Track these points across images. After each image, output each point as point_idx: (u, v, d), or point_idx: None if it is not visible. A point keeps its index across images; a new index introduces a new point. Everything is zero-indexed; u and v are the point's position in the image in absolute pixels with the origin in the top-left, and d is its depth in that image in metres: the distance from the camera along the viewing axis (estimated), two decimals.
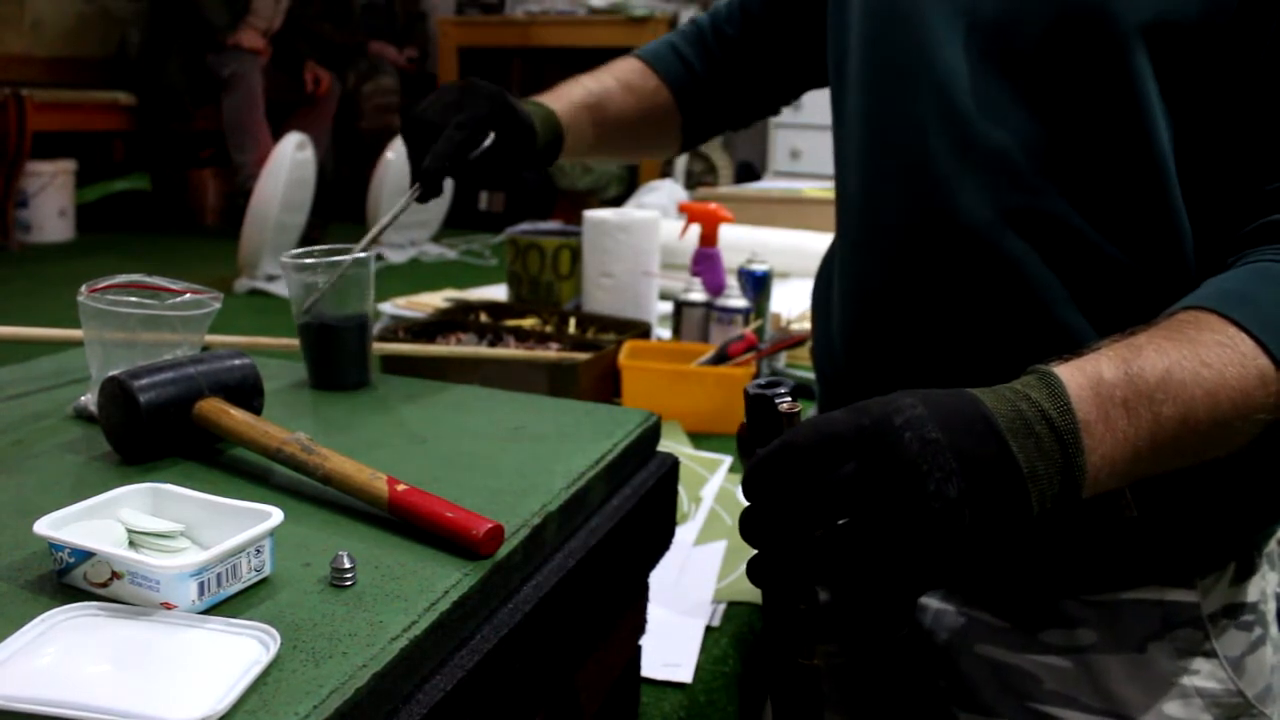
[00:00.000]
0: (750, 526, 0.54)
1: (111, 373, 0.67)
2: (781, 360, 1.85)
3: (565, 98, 1.03)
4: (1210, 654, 0.75)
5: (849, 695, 0.91)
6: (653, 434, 0.80)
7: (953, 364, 0.75)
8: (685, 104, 1.07)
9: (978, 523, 0.51)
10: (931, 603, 0.83)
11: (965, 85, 0.73)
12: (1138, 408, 0.54)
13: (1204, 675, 0.75)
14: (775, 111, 1.14)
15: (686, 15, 4.20)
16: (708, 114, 1.09)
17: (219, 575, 0.49)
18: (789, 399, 0.55)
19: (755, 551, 0.55)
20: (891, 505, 0.50)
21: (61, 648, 0.45)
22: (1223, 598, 0.76)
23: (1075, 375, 0.54)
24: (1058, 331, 0.70)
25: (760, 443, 0.56)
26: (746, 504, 0.54)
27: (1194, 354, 0.56)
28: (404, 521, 0.59)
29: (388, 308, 2.07)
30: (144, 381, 0.66)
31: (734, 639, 1.01)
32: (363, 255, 0.83)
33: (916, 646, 0.83)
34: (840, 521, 0.51)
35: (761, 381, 0.57)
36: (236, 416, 0.67)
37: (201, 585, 0.48)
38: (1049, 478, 0.52)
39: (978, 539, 0.51)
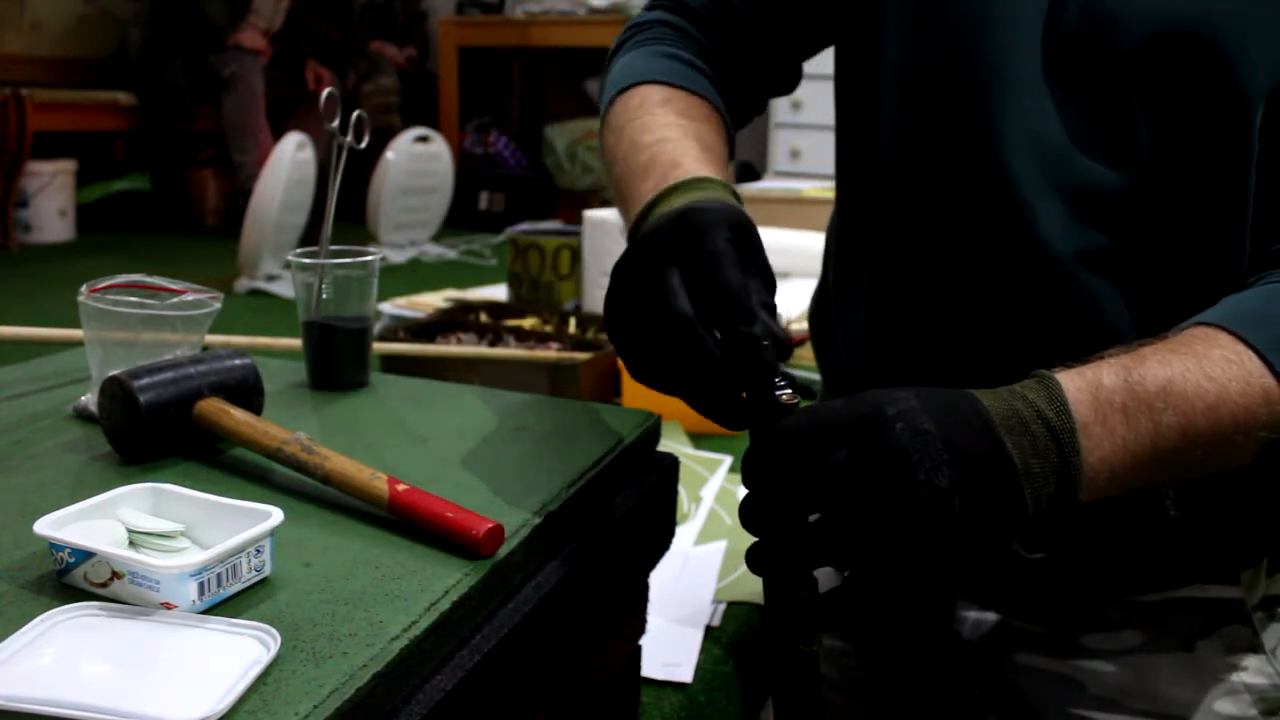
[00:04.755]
0: (748, 513, 0.55)
1: (112, 373, 0.67)
2: None
3: (717, 161, 0.72)
4: (1257, 649, 0.75)
5: (871, 708, 0.90)
6: (653, 434, 0.80)
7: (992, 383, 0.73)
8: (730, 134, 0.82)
9: (972, 518, 0.51)
10: (969, 612, 0.82)
11: (1050, 107, 0.68)
12: (1137, 414, 0.54)
13: (1252, 670, 0.75)
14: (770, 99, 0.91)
15: None
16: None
17: (219, 575, 0.49)
18: (789, 390, 0.56)
19: (755, 541, 0.55)
20: (881, 493, 0.51)
21: (61, 648, 0.45)
22: (1260, 591, 0.76)
23: (1075, 380, 0.55)
24: None
25: (761, 433, 0.56)
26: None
27: (1198, 367, 0.56)
28: (404, 521, 0.59)
29: (388, 308, 2.07)
30: (144, 381, 0.66)
31: (734, 639, 1.01)
32: (368, 258, 0.84)
33: (952, 657, 0.82)
34: (833, 508, 0.52)
35: None
36: (237, 416, 0.67)
37: (201, 585, 0.48)
38: (1044, 476, 0.52)
39: (974, 536, 0.51)
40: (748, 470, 0.54)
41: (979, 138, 0.70)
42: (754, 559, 0.55)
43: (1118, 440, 0.54)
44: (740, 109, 0.86)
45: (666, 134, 0.72)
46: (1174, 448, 0.55)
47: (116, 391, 0.66)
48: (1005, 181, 0.69)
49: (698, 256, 0.57)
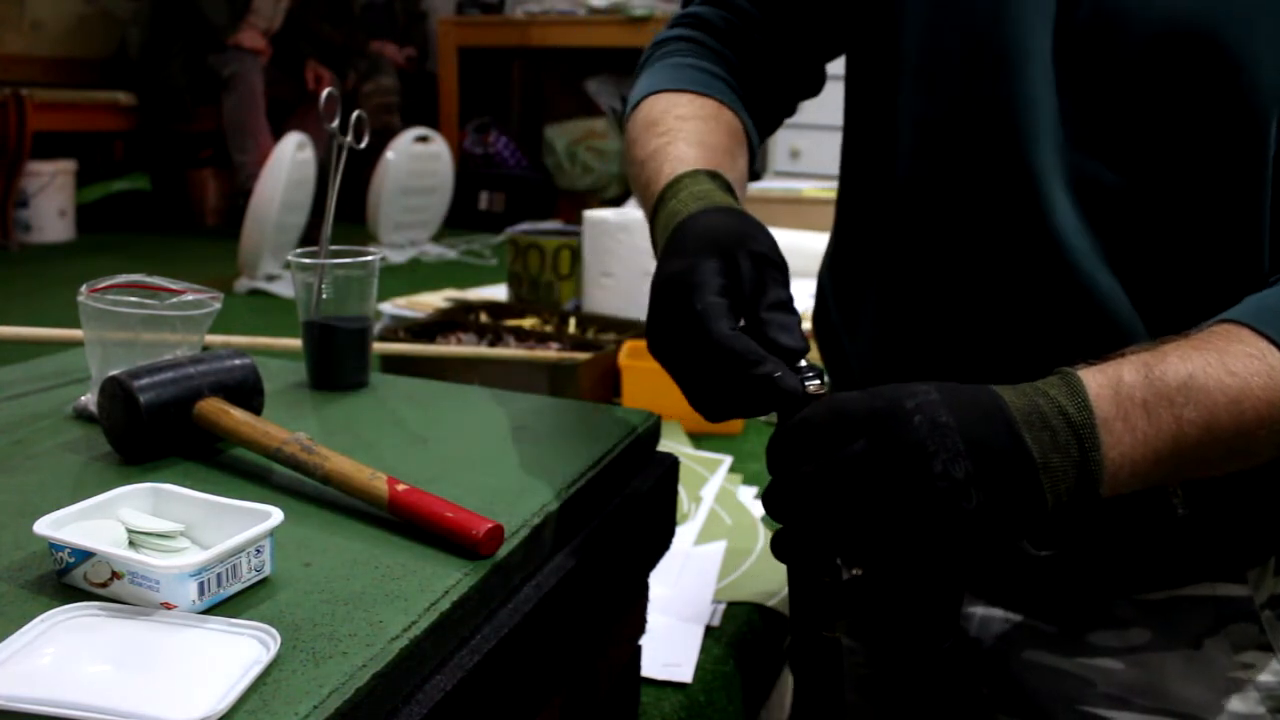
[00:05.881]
0: (771, 500, 0.56)
1: (111, 373, 0.67)
2: None
3: (711, 153, 0.75)
4: (1265, 647, 0.75)
5: (878, 706, 0.90)
6: (653, 434, 0.80)
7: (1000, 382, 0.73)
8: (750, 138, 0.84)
9: (990, 510, 0.52)
10: (977, 609, 0.82)
11: (1061, 102, 0.69)
12: (1158, 410, 0.55)
13: (1260, 669, 0.75)
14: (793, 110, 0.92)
15: None
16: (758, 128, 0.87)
17: (219, 575, 0.49)
18: (816, 380, 0.57)
19: (780, 528, 0.57)
20: (897, 483, 0.52)
21: (61, 648, 0.45)
22: (1269, 590, 0.76)
23: (1096, 376, 0.55)
24: None
25: (785, 422, 0.57)
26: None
27: (1220, 362, 0.56)
28: (404, 521, 0.59)
29: (388, 308, 2.07)
30: (144, 381, 0.66)
31: (734, 639, 1.00)
32: (368, 258, 0.84)
33: (960, 653, 0.82)
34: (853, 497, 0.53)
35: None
36: (237, 416, 0.67)
37: (201, 585, 0.48)
38: (1064, 470, 0.53)
39: (993, 528, 0.52)
40: (771, 457, 0.56)
41: (1001, 131, 0.70)
42: (778, 545, 0.57)
43: (1139, 436, 0.54)
44: (768, 114, 0.88)
45: (662, 141, 0.76)
46: (1196, 443, 0.55)
47: (116, 391, 0.66)
48: (1027, 174, 0.70)
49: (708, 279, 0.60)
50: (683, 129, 0.76)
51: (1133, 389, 0.55)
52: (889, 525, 0.52)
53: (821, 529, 0.54)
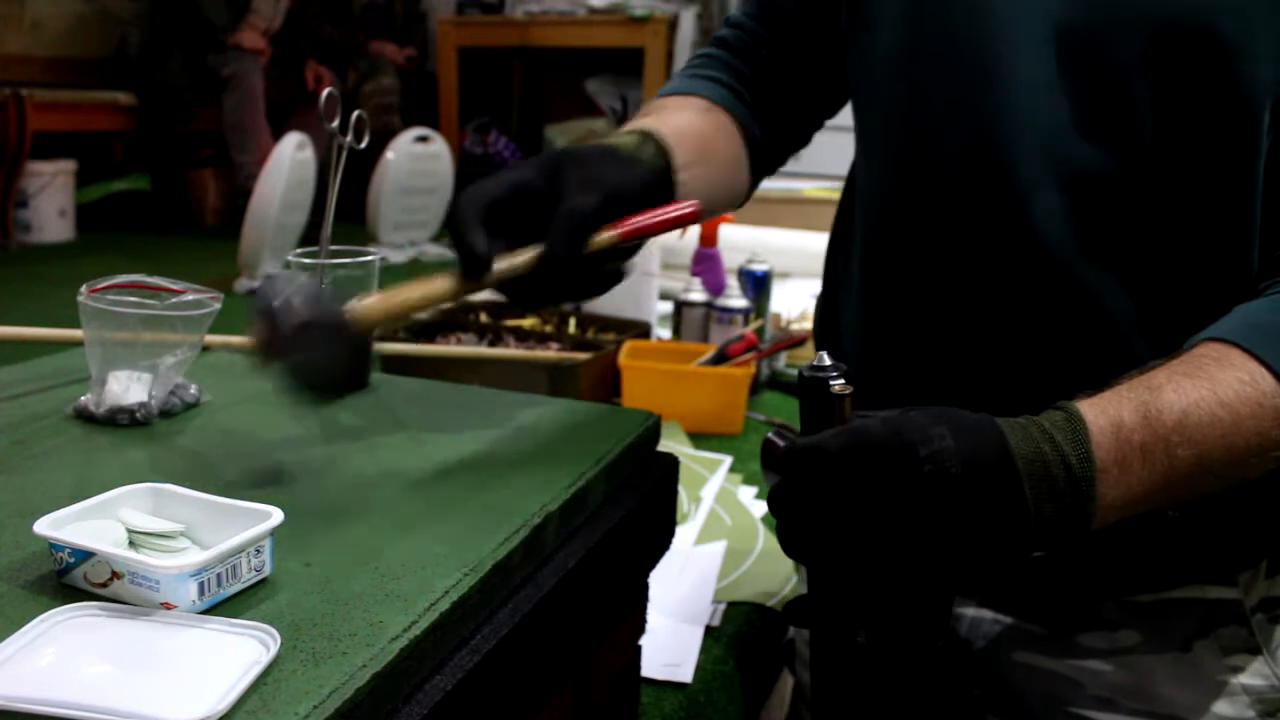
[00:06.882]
0: (778, 501, 0.58)
1: (300, 312, 0.60)
2: (781, 360, 1.85)
3: (664, 128, 0.78)
4: (1255, 650, 0.75)
5: (868, 706, 0.90)
6: (653, 434, 0.80)
7: (986, 383, 0.74)
8: (751, 138, 0.89)
9: (974, 544, 0.55)
10: (967, 610, 0.82)
11: (1052, 96, 0.69)
12: (1154, 450, 0.56)
13: (1250, 672, 0.75)
14: (814, 130, 0.98)
15: (687, 16, 4.20)
16: (768, 144, 0.92)
17: (219, 575, 0.49)
18: (841, 380, 0.58)
19: (792, 529, 0.59)
20: (898, 522, 0.54)
21: (61, 648, 0.45)
22: (1260, 593, 0.76)
23: (1099, 419, 0.56)
24: (1125, 360, 0.65)
25: (810, 424, 0.59)
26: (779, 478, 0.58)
27: (1212, 393, 0.57)
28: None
29: None
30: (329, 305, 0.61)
31: (734, 639, 1.01)
32: (368, 258, 0.84)
33: (950, 655, 0.83)
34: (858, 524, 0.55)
35: (814, 364, 0.60)
36: (401, 291, 0.64)
37: (201, 585, 0.48)
38: (1056, 517, 0.55)
39: (975, 554, 0.55)
40: (786, 467, 0.57)
41: (977, 124, 0.71)
42: (791, 548, 0.58)
43: (1133, 480, 0.56)
44: (788, 127, 0.93)
45: (632, 122, 0.81)
46: (1187, 477, 0.56)
47: (314, 331, 0.60)
48: (1002, 169, 0.70)
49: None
50: (655, 111, 0.83)
51: (1131, 432, 0.56)
52: (884, 552, 0.55)
53: (829, 546, 0.57)
